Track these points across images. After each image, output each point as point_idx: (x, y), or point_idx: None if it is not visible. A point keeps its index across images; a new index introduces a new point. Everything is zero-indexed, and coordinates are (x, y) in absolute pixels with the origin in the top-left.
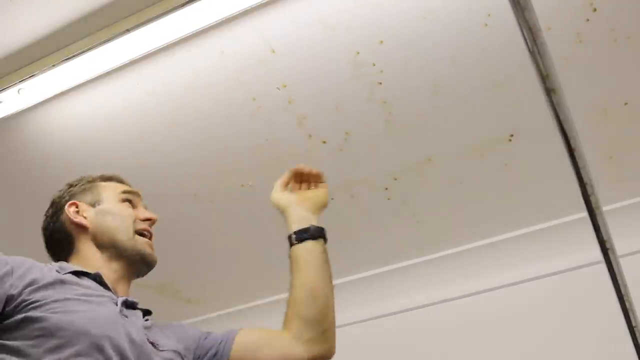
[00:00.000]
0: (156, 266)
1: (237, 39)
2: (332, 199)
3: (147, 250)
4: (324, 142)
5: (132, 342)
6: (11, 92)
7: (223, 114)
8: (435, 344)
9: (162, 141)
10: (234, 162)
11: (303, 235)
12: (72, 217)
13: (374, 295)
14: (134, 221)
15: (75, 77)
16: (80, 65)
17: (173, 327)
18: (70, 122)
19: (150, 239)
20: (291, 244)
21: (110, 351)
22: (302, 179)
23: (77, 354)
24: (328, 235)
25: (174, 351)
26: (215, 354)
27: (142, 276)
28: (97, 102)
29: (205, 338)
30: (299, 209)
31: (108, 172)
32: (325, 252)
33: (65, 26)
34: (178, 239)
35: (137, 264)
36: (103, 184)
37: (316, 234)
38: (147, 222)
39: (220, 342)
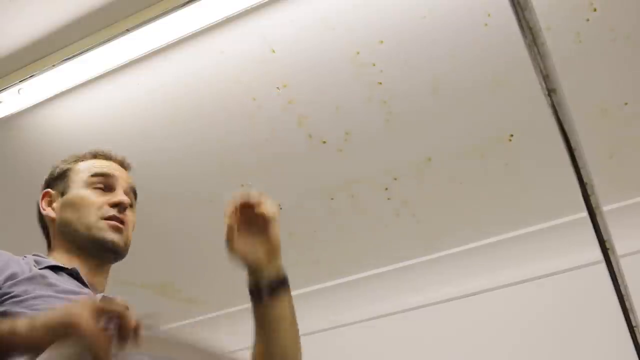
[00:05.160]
0: (156, 266)
1: (237, 39)
2: (332, 199)
3: (107, 236)
4: (324, 142)
5: None
6: (11, 92)
7: (223, 114)
8: (434, 344)
9: (162, 141)
10: (234, 162)
11: (279, 288)
12: (42, 210)
13: (373, 295)
14: (101, 208)
15: (75, 77)
16: (80, 65)
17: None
18: (70, 122)
19: (122, 223)
20: (260, 299)
21: None
22: (245, 214)
23: None
24: (328, 235)
25: None
26: None
27: (116, 261)
28: (97, 102)
29: None
30: (265, 257)
31: (94, 149)
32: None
33: (65, 26)
34: (178, 239)
35: (101, 254)
36: (77, 166)
37: (287, 283)
38: (116, 208)
39: None
